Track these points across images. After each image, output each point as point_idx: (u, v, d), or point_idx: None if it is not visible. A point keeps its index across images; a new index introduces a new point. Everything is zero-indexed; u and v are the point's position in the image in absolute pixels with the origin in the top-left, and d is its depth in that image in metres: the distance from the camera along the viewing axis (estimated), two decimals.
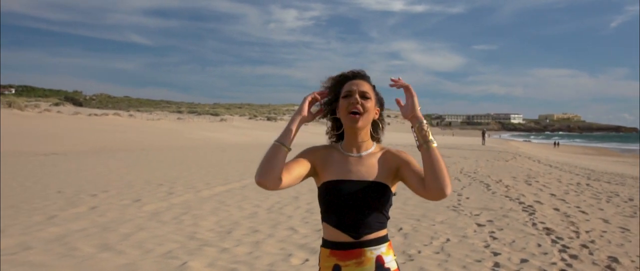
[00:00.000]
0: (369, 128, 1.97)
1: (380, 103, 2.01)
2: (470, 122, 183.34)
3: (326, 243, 1.90)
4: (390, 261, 1.88)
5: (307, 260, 4.77)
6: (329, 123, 2.07)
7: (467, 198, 8.97)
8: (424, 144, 1.79)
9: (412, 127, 1.84)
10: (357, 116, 1.89)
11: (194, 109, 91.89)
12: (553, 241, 5.80)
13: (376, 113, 1.98)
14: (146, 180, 10.20)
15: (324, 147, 2.02)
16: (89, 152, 17.85)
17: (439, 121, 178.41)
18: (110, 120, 42.28)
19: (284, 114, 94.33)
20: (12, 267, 4.34)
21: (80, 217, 6.40)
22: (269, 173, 1.81)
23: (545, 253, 5.24)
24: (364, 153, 1.94)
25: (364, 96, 1.91)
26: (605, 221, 7.19)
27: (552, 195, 9.81)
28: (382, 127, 2.05)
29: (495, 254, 5.15)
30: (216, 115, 76.83)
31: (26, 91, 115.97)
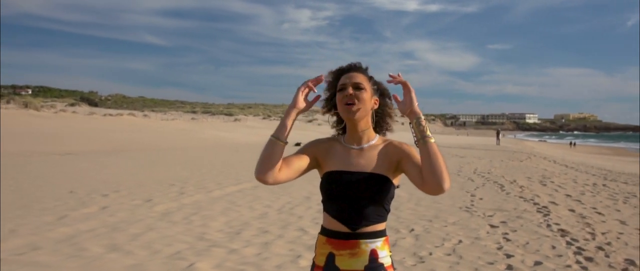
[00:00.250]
0: (368, 119, 1.96)
1: (381, 93, 2.00)
2: (484, 122, 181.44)
3: (324, 231, 1.93)
4: (384, 256, 1.89)
5: None
6: (334, 118, 2.08)
7: (481, 198, 8.85)
8: (421, 140, 1.79)
9: (410, 123, 1.84)
10: (351, 106, 1.89)
11: (208, 109, 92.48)
12: (568, 243, 5.68)
13: (375, 103, 1.97)
14: (158, 180, 10.23)
15: (327, 140, 2.04)
16: (103, 152, 17.98)
17: (453, 121, 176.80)
18: (125, 120, 42.63)
19: None
20: (18, 268, 4.34)
21: (90, 217, 6.41)
22: (266, 168, 1.86)
23: (560, 256, 5.12)
24: (365, 145, 1.95)
25: (357, 87, 1.91)
26: (622, 222, 7.04)
27: (568, 195, 9.64)
28: (389, 117, 2.04)
29: (509, 256, 5.05)
30: (230, 115, 77.28)
31: (43, 92, 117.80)
